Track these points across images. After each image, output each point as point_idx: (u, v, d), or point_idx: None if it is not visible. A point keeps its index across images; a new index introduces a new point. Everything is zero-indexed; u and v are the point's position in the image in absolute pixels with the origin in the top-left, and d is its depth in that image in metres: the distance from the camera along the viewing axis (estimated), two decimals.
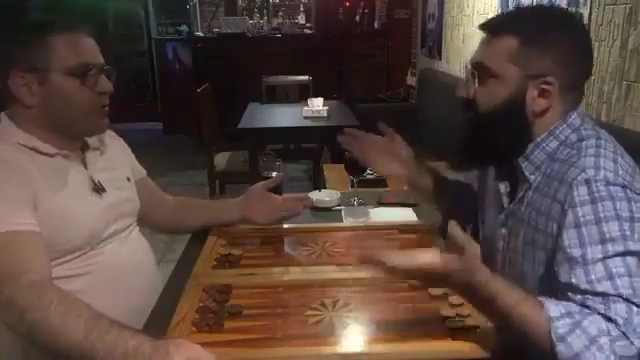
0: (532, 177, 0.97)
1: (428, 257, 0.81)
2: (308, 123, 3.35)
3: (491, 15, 3.53)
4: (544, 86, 0.93)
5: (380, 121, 1.36)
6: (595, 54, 2.28)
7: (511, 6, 3.17)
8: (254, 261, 1.19)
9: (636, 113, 2.00)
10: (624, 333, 0.75)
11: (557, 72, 0.92)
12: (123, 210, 1.21)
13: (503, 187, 1.06)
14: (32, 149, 1.06)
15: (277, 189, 1.39)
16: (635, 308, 0.77)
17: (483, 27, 1.00)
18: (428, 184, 1.30)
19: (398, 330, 0.91)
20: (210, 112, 3.39)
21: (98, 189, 1.14)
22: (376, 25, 5.81)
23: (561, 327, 0.74)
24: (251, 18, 6.16)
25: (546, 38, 0.93)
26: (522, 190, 1.00)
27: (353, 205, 1.54)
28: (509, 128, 0.96)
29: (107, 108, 1.14)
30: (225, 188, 3.45)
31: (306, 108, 3.46)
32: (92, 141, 1.20)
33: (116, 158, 1.26)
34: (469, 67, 1.00)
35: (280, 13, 6.48)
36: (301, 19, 6.38)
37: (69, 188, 1.09)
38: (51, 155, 1.08)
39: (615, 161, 0.88)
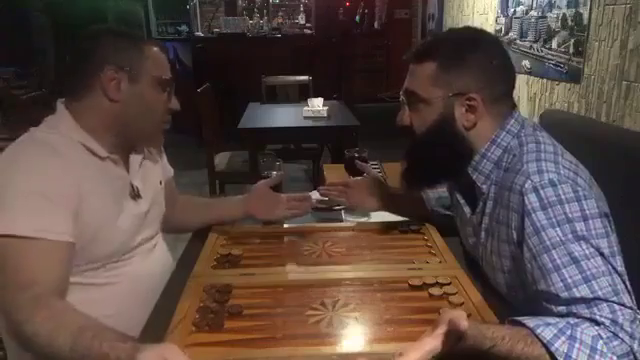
0: (484, 187, 1.03)
1: (419, 352, 0.77)
2: (308, 123, 3.35)
3: (491, 15, 3.54)
4: (469, 102, 1.00)
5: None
6: (595, 54, 2.28)
7: (510, 7, 3.17)
8: (254, 261, 1.19)
9: (636, 113, 2.00)
10: (614, 333, 0.77)
11: (478, 88, 0.99)
12: (152, 216, 1.21)
13: (461, 198, 1.13)
14: (88, 148, 1.07)
15: (276, 188, 1.41)
16: (616, 306, 0.79)
17: (408, 58, 1.07)
18: (405, 207, 1.40)
19: (398, 330, 0.91)
20: (210, 112, 3.39)
21: (135, 195, 1.15)
22: (376, 25, 5.82)
23: (560, 346, 0.75)
24: (251, 18, 6.17)
25: (462, 59, 1.00)
26: (481, 201, 1.05)
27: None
28: (445, 145, 1.03)
29: (168, 125, 1.17)
30: (225, 188, 3.45)
31: (306, 108, 3.46)
32: (138, 147, 1.20)
33: (152, 161, 1.27)
34: (402, 96, 1.08)
35: (280, 13, 6.48)
36: (301, 19, 6.38)
37: (113, 194, 1.09)
38: (103, 158, 1.09)
39: (556, 162, 0.92)
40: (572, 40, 2.47)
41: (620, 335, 0.76)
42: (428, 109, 1.02)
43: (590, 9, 2.31)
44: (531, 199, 0.89)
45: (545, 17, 2.72)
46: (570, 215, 0.86)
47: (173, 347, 0.76)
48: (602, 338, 0.76)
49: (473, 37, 1.05)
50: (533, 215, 0.88)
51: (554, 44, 2.64)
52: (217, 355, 0.82)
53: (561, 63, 2.59)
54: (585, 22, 2.35)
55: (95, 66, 1.05)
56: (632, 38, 2.01)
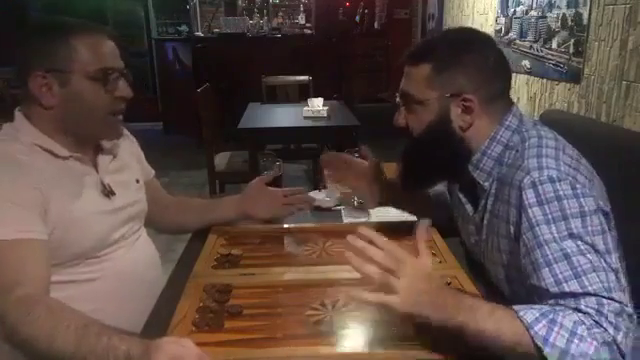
0: (486, 184, 1.03)
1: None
2: (308, 123, 3.35)
3: (491, 15, 3.53)
4: (465, 103, 1.00)
5: (362, 145, 1.48)
6: (595, 54, 2.28)
7: (510, 7, 3.17)
8: (254, 261, 1.19)
9: (636, 113, 2.00)
10: (597, 322, 0.77)
11: (473, 88, 0.99)
12: (131, 213, 1.20)
13: (463, 197, 1.13)
14: (47, 151, 1.06)
15: (276, 185, 1.40)
16: (605, 300, 0.79)
17: (404, 60, 1.07)
18: (406, 197, 1.35)
19: (398, 330, 0.91)
20: (210, 112, 3.39)
21: (108, 193, 1.14)
22: (376, 25, 5.81)
23: (540, 330, 0.76)
24: (251, 18, 6.17)
25: (457, 61, 1.00)
26: (482, 198, 1.05)
27: (353, 205, 1.54)
28: (443, 147, 1.03)
29: (121, 116, 1.13)
30: (225, 188, 3.45)
31: (306, 108, 3.46)
32: (105, 143, 1.19)
33: (127, 159, 1.25)
34: (397, 98, 1.08)
35: (280, 13, 6.48)
36: (301, 19, 6.38)
37: (80, 192, 1.08)
38: (65, 158, 1.08)
39: (557, 157, 0.92)
40: (572, 40, 2.47)
41: (604, 325, 0.77)
42: (424, 110, 1.03)
43: (590, 9, 2.31)
44: (528, 194, 0.89)
45: (545, 17, 2.72)
46: (567, 211, 0.86)
47: (187, 340, 0.77)
48: (584, 324, 0.77)
49: (468, 38, 1.06)
50: (529, 210, 0.88)
51: (554, 44, 2.64)
52: (217, 355, 0.82)
53: (561, 63, 2.59)
54: (585, 22, 2.35)
55: (24, 73, 1.03)
56: (632, 38, 2.01)
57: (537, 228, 0.87)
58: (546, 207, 0.87)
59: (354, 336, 0.91)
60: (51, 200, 1.01)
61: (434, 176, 1.13)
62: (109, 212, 1.13)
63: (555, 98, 2.69)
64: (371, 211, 1.49)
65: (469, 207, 1.11)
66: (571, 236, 0.84)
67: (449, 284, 1.03)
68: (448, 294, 0.84)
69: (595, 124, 2.07)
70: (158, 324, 0.93)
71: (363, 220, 1.46)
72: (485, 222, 1.05)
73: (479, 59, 1.00)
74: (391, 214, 1.41)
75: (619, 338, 0.76)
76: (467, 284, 1.04)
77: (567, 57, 2.52)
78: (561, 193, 0.87)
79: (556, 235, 0.85)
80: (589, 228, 0.85)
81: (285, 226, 1.38)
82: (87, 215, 1.07)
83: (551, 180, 0.88)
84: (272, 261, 1.19)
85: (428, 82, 1.01)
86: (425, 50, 1.04)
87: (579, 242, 0.84)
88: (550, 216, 0.86)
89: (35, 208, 0.98)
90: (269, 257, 1.22)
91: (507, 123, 1.01)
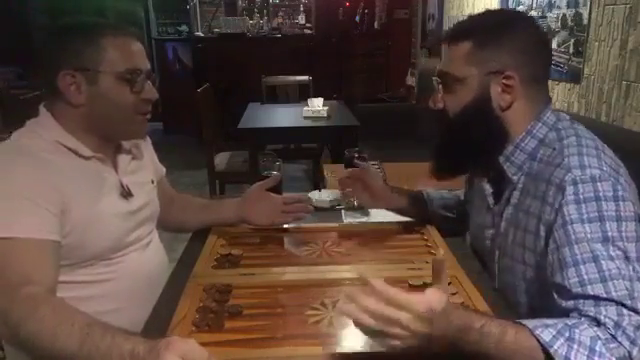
0: (515, 177, 1.01)
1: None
2: (308, 123, 3.35)
3: None
4: (505, 81, 0.97)
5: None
6: (595, 54, 2.28)
7: (510, 7, 3.17)
8: (254, 261, 1.19)
9: (636, 113, 2.00)
10: (613, 336, 0.75)
11: (515, 66, 0.97)
12: (146, 215, 1.20)
13: (488, 188, 1.10)
14: (70, 150, 1.06)
15: (276, 189, 1.39)
16: (625, 310, 0.77)
17: (443, 40, 1.05)
18: (405, 206, 1.36)
19: None
20: (210, 112, 3.39)
21: (126, 194, 1.14)
22: (376, 25, 5.81)
23: (559, 348, 0.74)
24: (251, 18, 6.16)
25: (499, 37, 0.97)
26: (507, 191, 1.03)
27: (353, 205, 1.54)
28: (481, 126, 1.00)
29: (149, 115, 1.13)
30: (225, 188, 3.45)
31: (306, 108, 3.46)
32: (125, 144, 1.19)
33: (143, 160, 1.26)
34: (435, 79, 1.06)
35: (280, 13, 6.48)
36: (301, 19, 6.38)
37: (100, 193, 1.08)
38: (87, 158, 1.08)
39: (599, 157, 0.90)
40: (572, 40, 2.47)
41: (619, 339, 0.75)
42: (463, 89, 1.00)
43: (590, 9, 2.31)
44: (568, 192, 0.87)
45: (545, 17, 2.72)
46: (605, 213, 0.84)
47: (192, 340, 0.76)
48: (600, 339, 0.75)
49: (511, 16, 1.05)
50: (565, 208, 0.87)
51: (554, 44, 2.64)
52: (217, 355, 0.82)
53: (561, 63, 2.58)
54: (585, 22, 2.35)
55: (52, 72, 1.03)
56: (632, 38, 2.01)
57: (570, 226, 0.85)
58: (583, 206, 0.85)
59: (354, 336, 0.91)
60: (71, 201, 1.01)
61: (469, 159, 1.09)
62: (126, 214, 1.13)
63: (555, 98, 2.69)
64: (371, 211, 1.49)
65: (491, 199, 1.09)
66: (604, 239, 0.83)
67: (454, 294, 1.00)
68: (456, 333, 0.75)
69: (595, 124, 2.07)
70: (158, 324, 0.93)
71: (363, 220, 1.46)
72: (505, 215, 1.03)
73: (522, 37, 0.98)
74: (391, 214, 1.41)
75: (635, 352, 0.74)
76: (467, 284, 1.04)
77: (567, 57, 2.52)
78: (601, 194, 0.85)
79: (589, 236, 0.83)
80: (623, 234, 0.83)
81: (285, 226, 1.38)
82: (106, 217, 1.07)
83: (593, 179, 0.86)
84: (272, 261, 1.19)
85: (468, 59, 0.99)
86: (466, 27, 1.03)
87: (611, 246, 0.82)
88: (586, 216, 0.85)
89: (52, 208, 0.97)
90: (269, 257, 1.22)
91: (545, 118, 0.99)
